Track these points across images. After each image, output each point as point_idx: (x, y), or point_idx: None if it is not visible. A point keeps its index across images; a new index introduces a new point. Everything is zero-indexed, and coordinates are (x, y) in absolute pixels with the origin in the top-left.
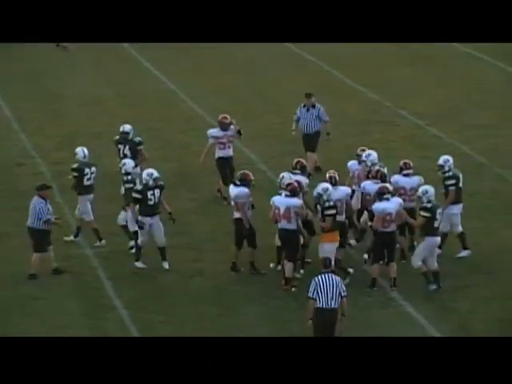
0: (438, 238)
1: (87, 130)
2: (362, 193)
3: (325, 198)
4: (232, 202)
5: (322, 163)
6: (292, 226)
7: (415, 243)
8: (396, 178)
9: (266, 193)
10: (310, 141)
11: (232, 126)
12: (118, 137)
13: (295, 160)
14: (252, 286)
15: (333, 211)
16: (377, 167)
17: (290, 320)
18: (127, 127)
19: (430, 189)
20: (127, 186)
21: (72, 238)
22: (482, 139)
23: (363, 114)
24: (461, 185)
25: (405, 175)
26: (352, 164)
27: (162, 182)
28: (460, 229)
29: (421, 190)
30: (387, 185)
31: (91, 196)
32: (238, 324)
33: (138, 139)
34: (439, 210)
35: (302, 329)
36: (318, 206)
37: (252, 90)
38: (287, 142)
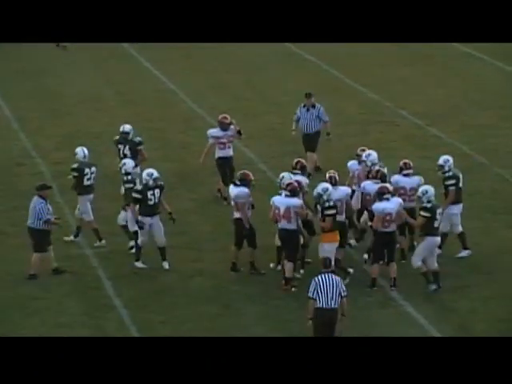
0: (438, 238)
1: (87, 129)
2: (362, 193)
3: (325, 198)
4: (232, 202)
5: (322, 163)
6: (292, 226)
7: (415, 243)
8: (396, 177)
9: (266, 193)
10: (310, 141)
11: (232, 126)
12: (117, 137)
13: (295, 160)
14: (252, 286)
15: (333, 211)
16: (377, 167)
17: (290, 320)
18: (127, 127)
19: (430, 189)
20: (127, 185)
21: (72, 237)
22: (481, 139)
23: (363, 114)
24: (461, 185)
25: (405, 175)
26: (352, 164)
27: (161, 182)
28: (460, 229)
29: (421, 190)
30: (387, 185)
31: (91, 196)
32: (238, 324)
33: (137, 139)
34: (439, 210)
35: (302, 329)
36: (318, 206)
37: (252, 89)
38: (287, 141)
